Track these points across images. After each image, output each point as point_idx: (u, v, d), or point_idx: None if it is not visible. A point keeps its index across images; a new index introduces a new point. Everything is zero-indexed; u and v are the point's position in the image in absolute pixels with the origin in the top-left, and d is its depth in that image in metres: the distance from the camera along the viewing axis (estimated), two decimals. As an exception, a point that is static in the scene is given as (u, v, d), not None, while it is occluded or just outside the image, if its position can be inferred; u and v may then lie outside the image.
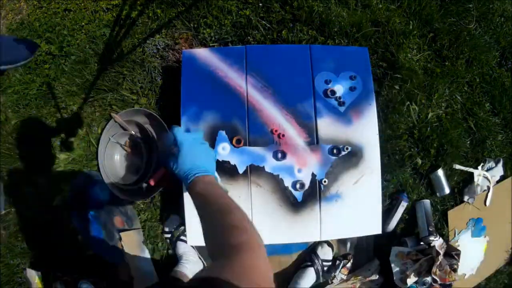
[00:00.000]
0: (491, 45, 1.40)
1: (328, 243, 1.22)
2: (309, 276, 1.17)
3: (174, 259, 1.23)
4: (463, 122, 1.34)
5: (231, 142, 0.96)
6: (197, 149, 0.70)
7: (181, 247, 1.19)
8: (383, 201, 1.21)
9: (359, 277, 1.22)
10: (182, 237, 1.19)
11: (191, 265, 1.16)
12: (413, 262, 1.17)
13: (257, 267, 0.44)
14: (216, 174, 0.70)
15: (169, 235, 1.22)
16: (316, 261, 1.18)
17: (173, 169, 0.69)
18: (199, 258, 1.21)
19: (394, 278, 1.19)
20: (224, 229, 0.51)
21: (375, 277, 1.23)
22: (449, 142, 1.29)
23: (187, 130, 0.82)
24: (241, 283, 0.37)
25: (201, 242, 0.99)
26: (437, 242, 1.16)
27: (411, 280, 1.15)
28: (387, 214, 1.24)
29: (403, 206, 1.25)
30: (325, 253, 1.20)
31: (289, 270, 1.27)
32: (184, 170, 0.67)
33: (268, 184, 0.96)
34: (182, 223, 1.19)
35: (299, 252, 1.26)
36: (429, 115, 1.29)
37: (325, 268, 1.20)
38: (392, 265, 1.19)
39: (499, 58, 1.42)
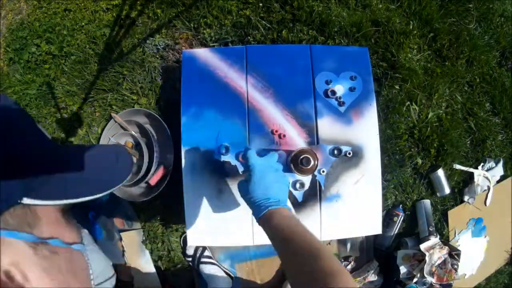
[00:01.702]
0: (491, 45, 1.40)
1: None
2: None
3: (194, 273, 1.23)
4: (463, 122, 1.34)
5: (236, 157, 0.95)
6: (270, 176, 0.65)
7: (206, 269, 1.19)
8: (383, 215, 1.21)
9: (358, 279, 1.23)
10: (203, 259, 1.20)
11: (221, 285, 1.17)
12: (419, 262, 1.17)
13: None
14: (289, 204, 0.65)
15: (190, 259, 1.23)
16: None
17: (243, 195, 0.66)
18: (226, 274, 1.22)
19: (401, 277, 1.20)
20: (318, 275, 0.48)
21: (374, 278, 1.23)
22: (449, 142, 1.29)
23: (260, 152, 0.77)
24: None
25: (202, 242, 0.99)
26: (423, 244, 1.17)
27: (417, 278, 1.16)
28: (386, 231, 1.25)
29: (401, 219, 1.26)
30: None
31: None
32: (255, 199, 0.63)
33: (268, 184, 0.96)
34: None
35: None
36: (429, 115, 1.29)
37: None
38: (401, 267, 1.19)
39: (499, 58, 1.42)
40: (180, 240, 1.26)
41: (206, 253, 1.21)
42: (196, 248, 1.21)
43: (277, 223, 0.59)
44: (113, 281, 0.48)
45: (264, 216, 0.61)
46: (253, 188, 0.64)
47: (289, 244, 0.55)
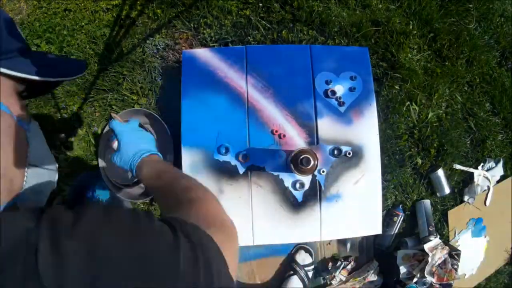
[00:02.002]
0: (491, 45, 1.40)
1: (305, 249, 1.22)
2: (295, 285, 1.17)
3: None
4: (463, 122, 1.34)
5: (236, 157, 0.96)
6: (136, 135, 0.73)
7: None
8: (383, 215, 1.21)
9: (358, 279, 1.22)
10: None
11: None
12: (419, 262, 1.17)
13: (214, 211, 0.47)
14: (159, 154, 0.73)
15: None
16: (298, 268, 1.18)
17: (118, 163, 0.71)
18: None
19: (401, 277, 1.20)
20: (178, 190, 0.53)
21: (374, 277, 1.23)
22: (449, 142, 1.29)
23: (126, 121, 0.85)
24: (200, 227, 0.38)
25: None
26: (426, 244, 1.17)
27: (416, 278, 1.17)
28: (386, 231, 1.24)
29: (401, 218, 1.26)
30: (304, 259, 1.20)
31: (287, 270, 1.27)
32: (129, 157, 0.69)
33: (269, 185, 0.96)
34: None
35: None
36: (429, 115, 1.29)
37: (310, 273, 1.20)
38: (401, 267, 1.19)
39: (499, 58, 1.42)
40: None
41: None
42: None
43: (150, 165, 0.65)
44: (53, 174, 0.53)
45: (139, 164, 0.67)
46: (125, 149, 0.71)
47: (160, 177, 0.60)
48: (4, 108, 0.40)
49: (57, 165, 0.54)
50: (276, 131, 0.96)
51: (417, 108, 1.29)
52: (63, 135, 1.26)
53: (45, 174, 0.49)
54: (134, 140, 0.72)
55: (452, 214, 1.29)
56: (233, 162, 0.96)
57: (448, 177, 1.29)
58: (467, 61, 1.37)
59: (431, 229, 1.21)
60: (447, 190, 1.27)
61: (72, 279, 0.26)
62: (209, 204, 0.48)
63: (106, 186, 1.28)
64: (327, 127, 0.98)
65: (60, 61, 0.51)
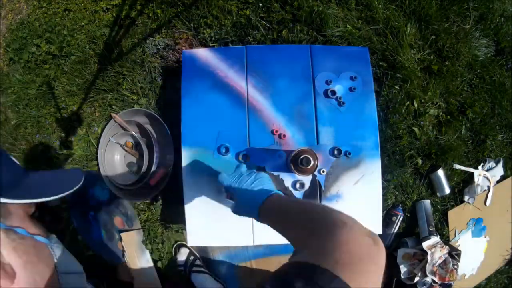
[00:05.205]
0: (491, 45, 1.40)
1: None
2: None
3: (174, 261, 1.23)
4: (463, 122, 1.34)
5: (236, 157, 0.96)
6: (246, 184, 0.71)
7: (198, 279, 1.18)
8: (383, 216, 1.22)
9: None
10: (194, 268, 1.19)
11: None
12: (419, 261, 1.17)
13: (353, 240, 0.45)
14: (278, 191, 0.68)
15: (182, 268, 1.21)
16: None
17: (238, 212, 0.70)
18: (218, 282, 1.21)
19: (402, 277, 1.20)
20: (312, 219, 0.52)
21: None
22: (449, 142, 1.29)
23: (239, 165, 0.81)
24: (342, 264, 0.38)
25: (202, 243, 0.99)
26: (425, 243, 1.16)
27: (418, 278, 1.16)
28: (385, 230, 1.25)
29: (400, 218, 1.26)
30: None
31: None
32: (248, 205, 0.66)
33: (269, 184, 0.96)
34: (192, 253, 1.22)
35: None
36: (429, 113, 1.29)
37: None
38: (401, 266, 1.19)
39: (499, 58, 1.42)
40: (172, 248, 1.25)
41: (198, 262, 1.21)
42: (188, 257, 1.21)
43: (274, 204, 0.63)
44: (82, 278, 0.58)
45: (261, 210, 0.64)
46: (241, 201, 0.70)
47: (288, 214, 0.58)
48: (23, 232, 0.46)
49: (82, 268, 0.57)
50: (276, 131, 0.96)
51: (417, 108, 1.29)
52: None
53: (75, 279, 0.53)
54: (247, 189, 0.69)
55: (452, 214, 1.29)
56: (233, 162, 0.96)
57: (448, 177, 1.29)
58: (467, 61, 1.37)
59: (431, 229, 1.21)
60: (447, 190, 1.27)
61: None
62: (348, 230, 0.46)
63: (106, 186, 1.28)
64: (327, 127, 0.98)
65: (55, 176, 0.56)
